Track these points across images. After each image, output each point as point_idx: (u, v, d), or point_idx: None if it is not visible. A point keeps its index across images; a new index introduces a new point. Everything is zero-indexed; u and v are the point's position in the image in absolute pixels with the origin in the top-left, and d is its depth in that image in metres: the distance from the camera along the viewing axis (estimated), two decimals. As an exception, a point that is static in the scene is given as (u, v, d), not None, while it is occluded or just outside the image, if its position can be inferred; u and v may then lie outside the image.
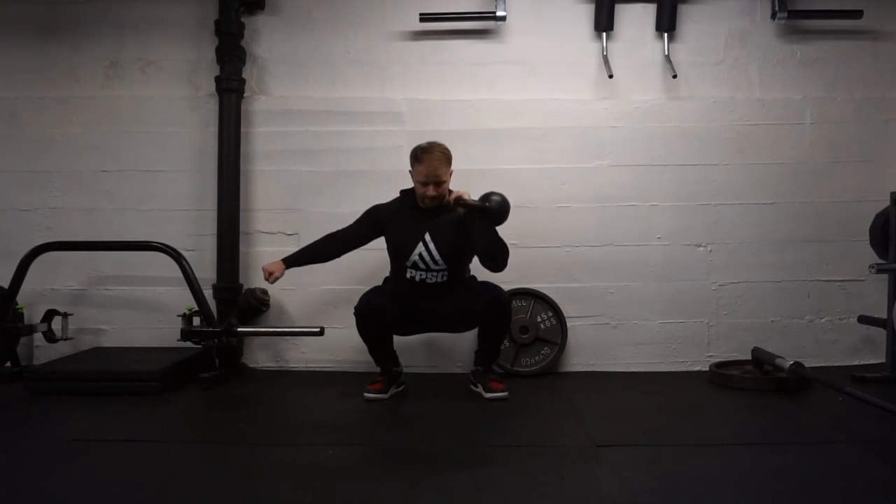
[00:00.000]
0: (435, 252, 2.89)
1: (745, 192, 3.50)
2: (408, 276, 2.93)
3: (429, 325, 3.02)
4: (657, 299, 3.49)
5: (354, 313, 2.85)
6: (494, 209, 2.73)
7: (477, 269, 2.98)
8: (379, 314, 2.83)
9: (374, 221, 3.00)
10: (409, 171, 2.92)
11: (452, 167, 2.89)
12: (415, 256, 2.90)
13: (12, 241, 3.44)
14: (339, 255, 3.09)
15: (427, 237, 2.89)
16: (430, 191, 2.83)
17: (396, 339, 3.04)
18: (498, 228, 2.81)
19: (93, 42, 3.54)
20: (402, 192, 3.02)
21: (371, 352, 2.98)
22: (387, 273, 3.08)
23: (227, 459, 2.19)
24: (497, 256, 2.82)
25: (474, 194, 2.87)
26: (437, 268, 2.91)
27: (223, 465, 2.13)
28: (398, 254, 2.95)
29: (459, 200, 2.78)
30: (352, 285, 3.44)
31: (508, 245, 2.83)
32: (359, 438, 2.46)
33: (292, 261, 3.04)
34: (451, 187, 2.91)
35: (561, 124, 3.50)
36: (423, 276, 2.92)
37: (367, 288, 2.95)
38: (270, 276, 2.97)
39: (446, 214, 2.88)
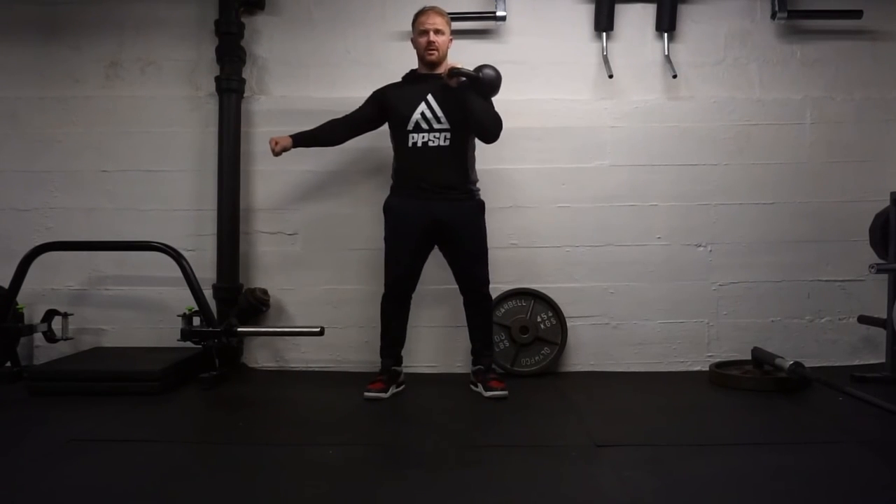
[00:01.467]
0: (437, 109, 2.92)
1: (744, 191, 3.50)
2: (410, 143, 2.94)
3: (435, 236, 3.00)
4: (657, 299, 3.49)
5: (385, 291, 2.97)
6: (487, 80, 2.84)
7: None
8: (407, 284, 2.97)
9: (376, 97, 3.06)
10: (411, 40, 3.02)
11: (451, 36, 3.01)
12: (417, 116, 2.92)
13: (12, 241, 3.44)
14: (346, 139, 3.17)
15: (429, 97, 2.93)
16: (431, 36, 2.91)
17: (396, 338, 3.05)
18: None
19: (93, 42, 3.54)
20: (404, 75, 3.08)
21: (384, 334, 3.01)
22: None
23: (227, 459, 2.19)
24: (490, 126, 2.90)
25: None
26: (439, 126, 2.92)
27: (223, 465, 2.13)
28: (400, 120, 2.96)
29: (453, 70, 2.84)
30: (352, 285, 3.45)
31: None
32: (359, 438, 2.46)
33: (300, 138, 3.09)
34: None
35: (561, 124, 3.50)
36: (426, 139, 2.92)
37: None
38: (276, 146, 3.03)
39: (447, 83, 2.92)
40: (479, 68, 2.85)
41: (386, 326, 3.03)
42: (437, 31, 2.93)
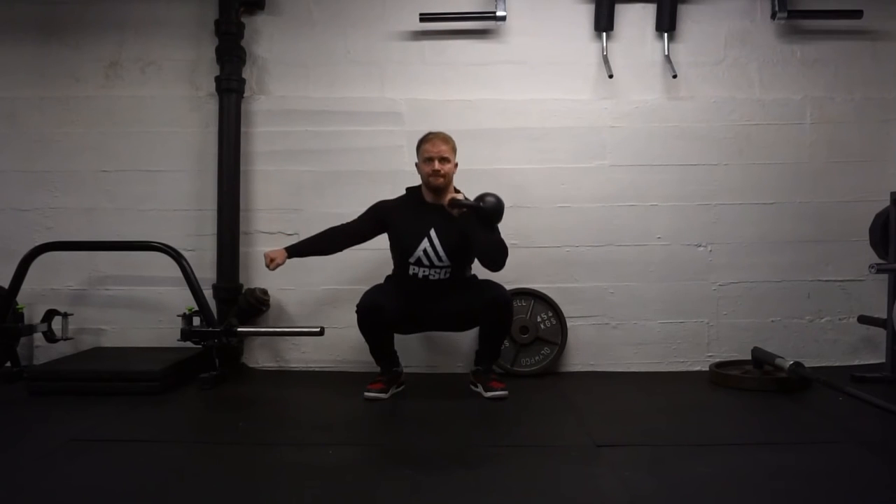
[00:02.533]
0: (440, 248, 2.88)
1: (745, 191, 3.50)
2: (410, 272, 2.93)
3: (430, 323, 3.02)
4: (657, 299, 3.49)
5: (356, 311, 2.85)
6: (488, 210, 2.76)
7: (477, 268, 2.98)
8: (380, 312, 2.83)
9: (378, 216, 3.01)
10: (416, 164, 2.95)
11: (457, 160, 2.93)
12: (419, 252, 2.89)
13: (12, 241, 3.43)
14: (341, 249, 3.10)
15: (432, 233, 2.89)
16: (436, 165, 2.85)
17: (397, 338, 3.05)
18: (499, 226, 2.82)
19: (93, 42, 3.54)
20: (408, 189, 3.03)
21: (372, 350, 2.98)
22: (388, 272, 3.08)
23: (227, 459, 2.19)
24: (495, 256, 2.82)
25: (473, 194, 2.88)
26: (440, 265, 2.90)
27: (223, 465, 2.13)
28: (402, 250, 2.95)
29: (454, 201, 2.79)
30: (352, 285, 3.44)
31: (508, 245, 2.83)
32: (359, 438, 2.46)
33: (295, 250, 3.04)
34: (455, 185, 2.92)
35: (561, 124, 3.50)
36: (427, 273, 2.91)
37: (368, 287, 2.95)
38: (272, 263, 2.97)
39: (449, 215, 2.86)
40: (480, 197, 2.78)
41: (369, 344, 2.96)
42: (443, 160, 2.86)
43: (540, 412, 2.77)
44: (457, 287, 2.95)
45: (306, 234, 3.50)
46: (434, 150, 2.86)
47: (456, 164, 2.93)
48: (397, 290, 2.94)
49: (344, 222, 3.07)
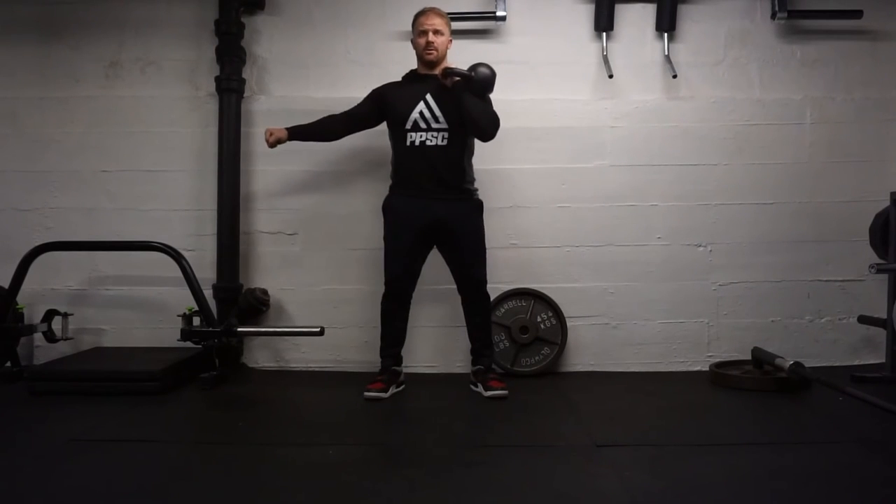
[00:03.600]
0: (436, 108, 2.92)
1: (744, 192, 3.50)
2: (408, 142, 2.94)
3: (434, 236, 3.01)
4: (657, 299, 3.49)
5: (386, 282, 2.97)
6: (480, 79, 2.84)
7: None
8: (407, 282, 2.97)
9: (375, 96, 3.07)
10: (411, 40, 3.02)
11: (451, 36, 3.02)
12: (415, 115, 2.92)
13: (12, 241, 3.43)
14: (342, 136, 3.18)
15: (428, 97, 2.94)
16: (430, 37, 2.93)
17: (396, 338, 3.05)
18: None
19: (93, 42, 3.54)
20: (405, 74, 3.09)
21: (385, 333, 3.01)
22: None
23: (227, 459, 2.19)
24: (486, 125, 2.90)
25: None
26: (437, 126, 2.92)
27: (223, 465, 2.13)
28: (399, 119, 2.97)
29: (447, 70, 2.86)
30: (352, 285, 3.45)
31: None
32: (359, 438, 2.46)
33: (296, 131, 3.10)
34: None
35: (561, 124, 3.50)
36: (424, 138, 2.92)
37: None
38: (271, 136, 3.04)
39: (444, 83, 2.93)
40: (474, 67, 2.86)
41: (386, 326, 3.03)
42: (437, 32, 2.94)
43: (540, 412, 2.77)
44: (459, 184, 2.96)
45: (306, 234, 3.53)
46: (428, 23, 2.94)
47: (450, 40, 3.01)
48: (402, 217, 2.94)
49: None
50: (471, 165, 3.07)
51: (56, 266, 3.44)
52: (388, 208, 3.04)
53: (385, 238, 3.03)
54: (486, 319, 3.08)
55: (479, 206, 3.06)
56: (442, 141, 2.93)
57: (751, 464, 2.09)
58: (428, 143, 2.93)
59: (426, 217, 2.93)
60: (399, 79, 3.09)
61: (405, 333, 3.08)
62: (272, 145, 3.07)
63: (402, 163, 3.00)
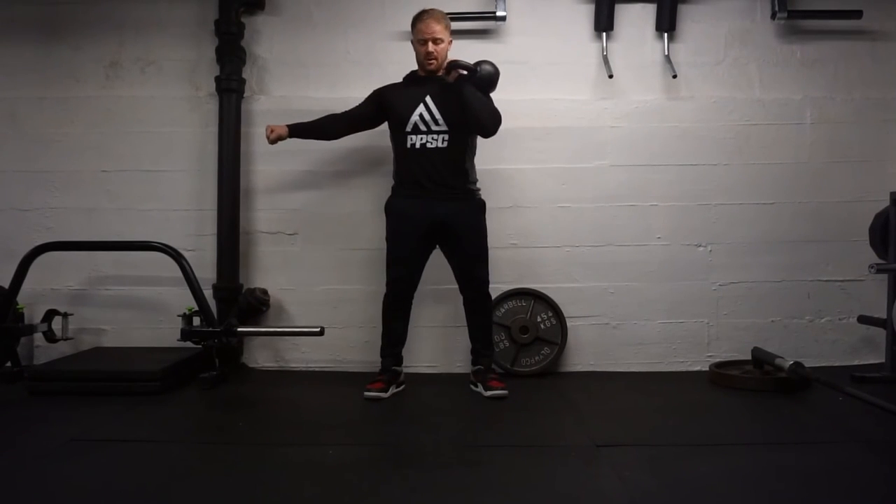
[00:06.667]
0: (435, 111, 2.92)
1: (744, 191, 3.50)
2: (409, 144, 2.94)
3: (436, 236, 3.00)
4: (657, 299, 3.49)
5: (388, 283, 2.97)
6: (484, 74, 2.89)
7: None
8: (410, 283, 2.97)
9: (376, 97, 3.07)
10: (411, 41, 3.00)
11: (451, 38, 2.99)
12: (415, 117, 2.93)
13: (12, 241, 3.43)
14: (342, 135, 3.19)
15: (428, 99, 2.94)
16: (430, 47, 2.91)
17: (396, 338, 3.05)
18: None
19: (93, 42, 3.54)
20: (405, 76, 3.08)
21: (385, 333, 3.01)
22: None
23: (227, 459, 2.19)
24: (487, 120, 2.90)
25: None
26: (437, 129, 2.92)
27: (223, 465, 2.13)
28: (399, 122, 2.97)
29: (453, 63, 2.87)
30: (352, 285, 3.45)
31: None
32: (359, 438, 2.46)
33: (297, 129, 3.11)
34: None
35: (561, 124, 3.50)
36: (424, 141, 2.93)
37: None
38: (272, 133, 3.05)
39: (446, 79, 2.92)
40: (478, 63, 2.89)
41: (387, 326, 3.03)
42: (436, 41, 2.92)
43: (540, 412, 2.77)
44: (461, 185, 2.96)
45: (306, 234, 3.53)
46: (427, 32, 2.91)
47: (451, 42, 2.99)
48: (405, 218, 2.95)
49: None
50: (473, 166, 3.07)
51: (56, 266, 3.43)
52: (391, 209, 3.04)
53: (387, 239, 3.03)
54: (487, 320, 3.08)
55: (481, 206, 3.06)
56: (442, 143, 2.93)
57: (751, 464, 2.09)
58: (429, 145, 2.93)
59: (428, 218, 2.93)
60: (399, 79, 3.09)
61: (406, 334, 3.08)
62: (273, 142, 3.08)
63: (403, 165, 3.01)
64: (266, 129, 3.08)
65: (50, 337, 3.34)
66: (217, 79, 3.43)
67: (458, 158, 2.97)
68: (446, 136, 2.93)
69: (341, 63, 3.53)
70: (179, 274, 3.13)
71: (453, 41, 3.06)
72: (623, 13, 3.48)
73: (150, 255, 3.26)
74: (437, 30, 2.92)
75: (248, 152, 3.52)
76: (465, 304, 3.07)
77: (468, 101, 2.86)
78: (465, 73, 2.86)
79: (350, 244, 3.49)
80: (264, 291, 3.45)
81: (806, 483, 1.95)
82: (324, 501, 1.86)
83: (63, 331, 3.38)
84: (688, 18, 3.50)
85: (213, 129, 3.47)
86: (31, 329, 3.30)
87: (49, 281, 3.49)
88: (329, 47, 3.53)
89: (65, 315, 3.39)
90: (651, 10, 3.48)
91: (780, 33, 3.51)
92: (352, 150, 3.49)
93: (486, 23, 3.48)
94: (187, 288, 3.12)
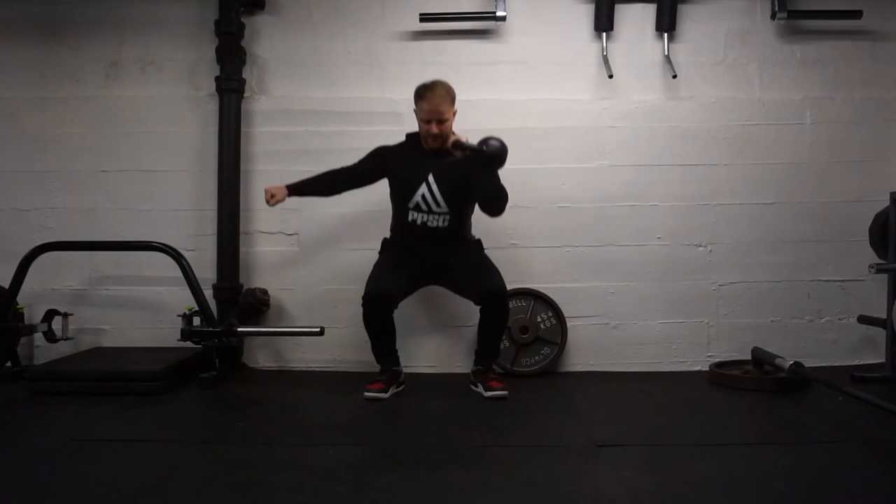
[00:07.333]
0: (438, 194, 2.88)
1: (744, 191, 3.50)
2: (409, 218, 2.93)
3: (431, 276, 3.01)
4: (657, 299, 3.49)
5: (364, 301, 2.85)
6: (492, 153, 2.70)
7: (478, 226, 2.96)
8: (389, 300, 2.84)
9: (378, 160, 3.02)
10: (414, 111, 2.94)
11: (456, 107, 2.92)
12: (417, 198, 2.90)
13: (12, 241, 3.43)
14: (341, 192, 3.14)
15: (430, 178, 2.89)
16: (433, 128, 2.84)
17: (397, 337, 3.04)
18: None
19: (93, 42, 3.54)
20: (408, 135, 3.04)
21: (374, 345, 2.98)
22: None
23: (228, 459, 2.19)
24: (495, 201, 2.83)
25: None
26: (438, 210, 2.90)
27: (223, 465, 2.13)
28: (401, 195, 2.95)
29: (457, 143, 2.77)
30: (352, 285, 3.43)
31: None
32: (359, 438, 2.46)
33: (296, 188, 3.05)
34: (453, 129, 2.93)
35: (561, 124, 3.50)
36: (425, 219, 2.91)
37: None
38: (272, 199, 2.98)
39: (450, 157, 2.84)
40: (484, 141, 2.71)
41: (373, 339, 2.97)
42: (441, 122, 2.83)
43: (540, 412, 2.77)
44: (457, 243, 2.95)
45: (306, 234, 3.53)
46: (433, 112, 2.83)
47: (455, 112, 2.91)
48: (398, 257, 2.94)
49: (345, 165, 3.09)
50: (470, 223, 3.05)
51: (56, 266, 3.43)
52: (385, 249, 3.06)
53: (375, 263, 3.02)
54: (501, 330, 3.00)
55: (477, 243, 3.06)
56: (443, 223, 2.92)
57: (751, 464, 2.09)
58: (429, 224, 2.92)
59: (424, 264, 2.94)
60: (402, 139, 3.04)
61: (395, 338, 3.02)
62: (272, 206, 3.02)
63: (400, 230, 2.98)
64: (265, 194, 3.00)
65: (50, 337, 3.34)
66: (217, 79, 3.43)
67: (457, 230, 2.96)
68: (447, 217, 2.91)
69: (341, 63, 3.53)
70: (179, 274, 3.14)
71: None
72: (623, 13, 3.48)
73: (150, 255, 3.26)
74: (443, 109, 2.83)
75: (248, 152, 3.52)
76: (482, 312, 2.93)
77: (474, 184, 2.81)
78: (470, 153, 2.73)
79: (350, 244, 3.49)
80: (264, 291, 3.45)
81: (806, 483, 1.95)
82: (323, 501, 1.86)
83: (63, 331, 3.38)
84: (688, 18, 3.50)
85: (213, 129, 3.47)
86: (31, 329, 3.30)
87: (49, 281, 3.49)
88: (329, 47, 3.53)
89: (65, 315, 3.39)
90: (651, 10, 3.48)
91: (780, 33, 3.51)
92: (352, 150, 3.48)
93: (486, 23, 3.48)
94: (187, 288, 3.12)
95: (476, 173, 2.79)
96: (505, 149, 2.72)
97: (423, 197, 2.89)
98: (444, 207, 2.90)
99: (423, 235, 2.92)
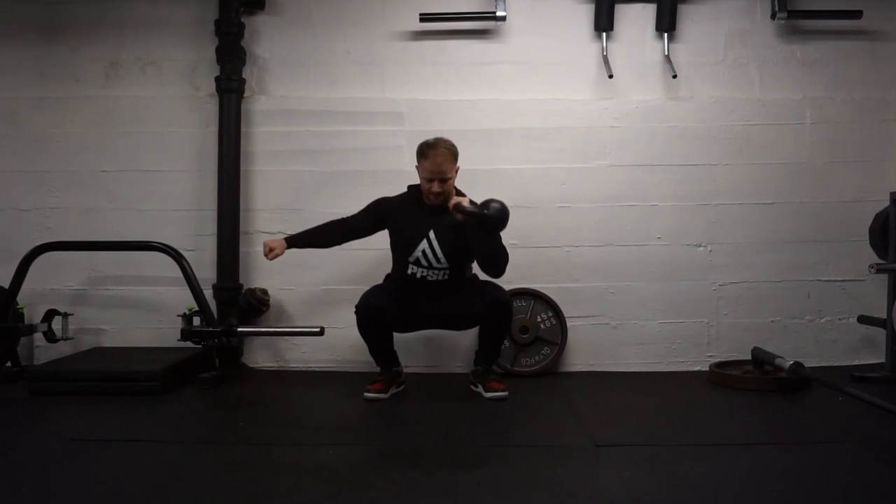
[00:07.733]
0: (438, 251, 2.88)
1: (745, 192, 3.50)
2: (409, 271, 2.93)
3: (429, 322, 3.02)
4: (657, 299, 3.49)
5: (356, 312, 2.85)
6: (493, 217, 2.67)
7: (477, 270, 2.98)
8: (380, 314, 2.83)
9: (379, 213, 3.01)
10: (416, 167, 2.92)
11: (458, 164, 2.89)
12: (417, 253, 2.89)
13: (12, 241, 3.43)
14: (340, 243, 3.12)
15: (431, 235, 2.88)
16: (435, 187, 2.82)
17: (397, 338, 3.04)
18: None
19: (93, 42, 3.54)
20: (410, 187, 3.03)
21: (371, 351, 2.98)
22: (388, 271, 3.08)
23: (227, 459, 2.19)
24: (496, 262, 2.82)
25: (474, 194, 2.88)
26: (439, 266, 2.90)
27: (223, 465, 2.13)
28: (401, 249, 2.95)
29: (458, 207, 2.74)
30: (352, 285, 3.44)
31: (508, 245, 2.83)
32: (359, 438, 2.46)
33: (294, 241, 3.04)
34: (456, 184, 2.92)
35: (561, 124, 3.50)
36: (425, 274, 2.91)
37: (368, 287, 2.94)
38: (271, 252, 2.97)
39: (450, 215, 2.82)
40: (485, 204, 2.68)
41: (371, 345, 2.96)
42: (443, 181, 2.81)
43: (540, 412, 2.77)
44: (456, 287, 2.94)
45: (306, 234, 3.52)
46: (436, 171, 2.80)
47: (458, 169, 2.90)
48: (396, 290, 2.94)
49: (345, 216, 3.07)
50: (470, 269, 3.04)
51: (56, 266, 3.43)
52: (387, 280, 3.07)
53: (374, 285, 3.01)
54: (503, 335, 2.99)
55: (474, 276, 3.05)
56: (443, 277, 2.92)
57: (751, 464, 2.09)
58: (429, 278, 2.92)
59: (422, 309, 2.95)
60: (405, 188, 3.03)
61: (392, 340, 3.01)
62: (271, 259, 3.01)
63: (400, 279, 2.97)
64: (264, 248, 2.98)
65: (50, 337, 3.34)
66: (217, 79, 3.43)
67: (456, 282, 2.95)
68: (447, 272, 2.91)
69: (341, 63, 3.53)
70: (179, 274, 3.13)
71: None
72: (623, 13, 3.48)
73: (150, 255, 3.26)
74: (445, 169, 2.80)
75: (248, 152, 3.52)
76: (486, 317, 2.89)
77: (475, 245, 2.80)
78: (471, 217, 2.70)
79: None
80: (264, 291, 3.45)
81: (806, 483, 1.95)
82: (323, 501, 1.86)
83: (63, 331, 3.38)
84: (688, 18, 3.50)
85: (213, 129, 3.47)
86: (31, 329, 3.30)
87: (49, 281, 3.49)
88: (329, 47, 3.53)
89: (65, 315, 3.39)
90: (651, 10, 3.48)
91: (780, 33, 3.51)
92: (353, 150, 3.50)
93: (486, 23, 3.48)
94: (187, 288, 3.12)
95: (476, 235, 2.77)
96: (506, 212, 2.68)
97: (424, 252, 2.89)
98: (444, 263, 2.89)
99: (423, 290, 2.93)
